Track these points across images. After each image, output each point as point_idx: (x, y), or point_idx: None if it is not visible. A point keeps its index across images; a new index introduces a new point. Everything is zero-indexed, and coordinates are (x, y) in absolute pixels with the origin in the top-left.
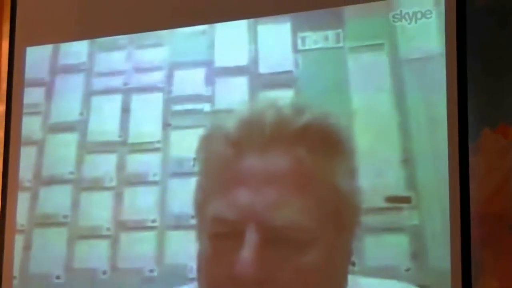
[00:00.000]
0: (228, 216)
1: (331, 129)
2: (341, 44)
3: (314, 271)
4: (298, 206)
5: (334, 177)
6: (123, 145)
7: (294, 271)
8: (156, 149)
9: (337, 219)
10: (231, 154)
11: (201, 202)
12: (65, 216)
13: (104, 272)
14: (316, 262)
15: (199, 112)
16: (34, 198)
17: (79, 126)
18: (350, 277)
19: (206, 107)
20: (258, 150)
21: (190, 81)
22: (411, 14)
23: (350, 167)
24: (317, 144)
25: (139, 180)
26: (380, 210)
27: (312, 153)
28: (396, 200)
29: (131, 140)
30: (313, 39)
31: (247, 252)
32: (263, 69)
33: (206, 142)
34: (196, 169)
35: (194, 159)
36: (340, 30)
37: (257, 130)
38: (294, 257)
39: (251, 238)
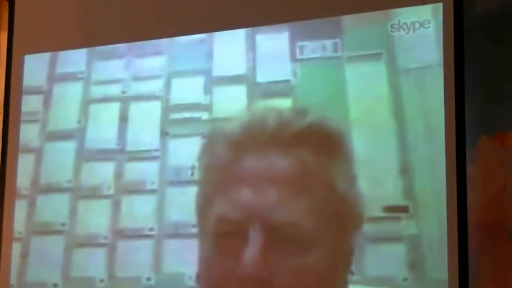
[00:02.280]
0: (233, 215)
1: (332, 132)
2: (339, 54)
3: (316, 272)
4: (301, 206)
5: (335, 179)
6: (121, 153)
7: (296, 270)
8: (154, 158)
9: (339, 222)
10: (234, 155)
11: (203, 205)
12: (62, 224)
13: (102, 280)
14: (318, 262)
15: (197, 120)
16: (32, 206)
17: (77, 134)
18: (351, 287)
19: (204, 115)
20: (260, 150)
21: (188, 89)
22: (409, 24)
23: (350, 172)
24: (319, 146)
25: (137, 189)
26: (378, 219)
27: (315, 155)
28: (394, 210)
29: (129, 148)
30: (311, 48)
31: (252, 251)
32: (261, 78)
33: (208, 148)
34: (194, 177)
35: (192, 167)
36: (338, 40)
37: (259, 131)
38: (296, 257)
39: (255, 237)
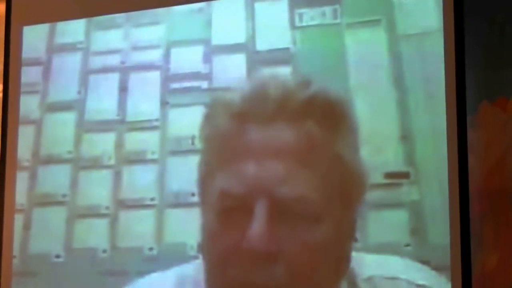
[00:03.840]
0: (237, 190)
1: (335, 102)
2: (338, 21)
3: (322, 246)
4: (306, 179)
5: (340, 150)
6: (121, 124)
7: (302, 245)
8: (154, 127)
9: (344, 194)
10: (236, 126)
11: (205, 176)
12: (64, 195)
13: (104, 251)
14: (325, 237)
15: (197, 89)
16: (33, 177)
17: (77, 105)
18: (354, 254)
19: (204, 84)
20: (263, 122)
21: (188, 59)
22: None
23: (355, 142)
24: (323, 117)
25: (138, 159)
26: (380, 186)
27: (319, 126)
28: (395, 176)
29: (129, 118)
30: (310, 16)
31: (257, 225)
32: (260, 46)
33: (209, 118)
34: (195, 147)
35: (193, 137)
36: (337, 6)
37: (261, 102)
38: (302, 231)
39: (260, 211)
